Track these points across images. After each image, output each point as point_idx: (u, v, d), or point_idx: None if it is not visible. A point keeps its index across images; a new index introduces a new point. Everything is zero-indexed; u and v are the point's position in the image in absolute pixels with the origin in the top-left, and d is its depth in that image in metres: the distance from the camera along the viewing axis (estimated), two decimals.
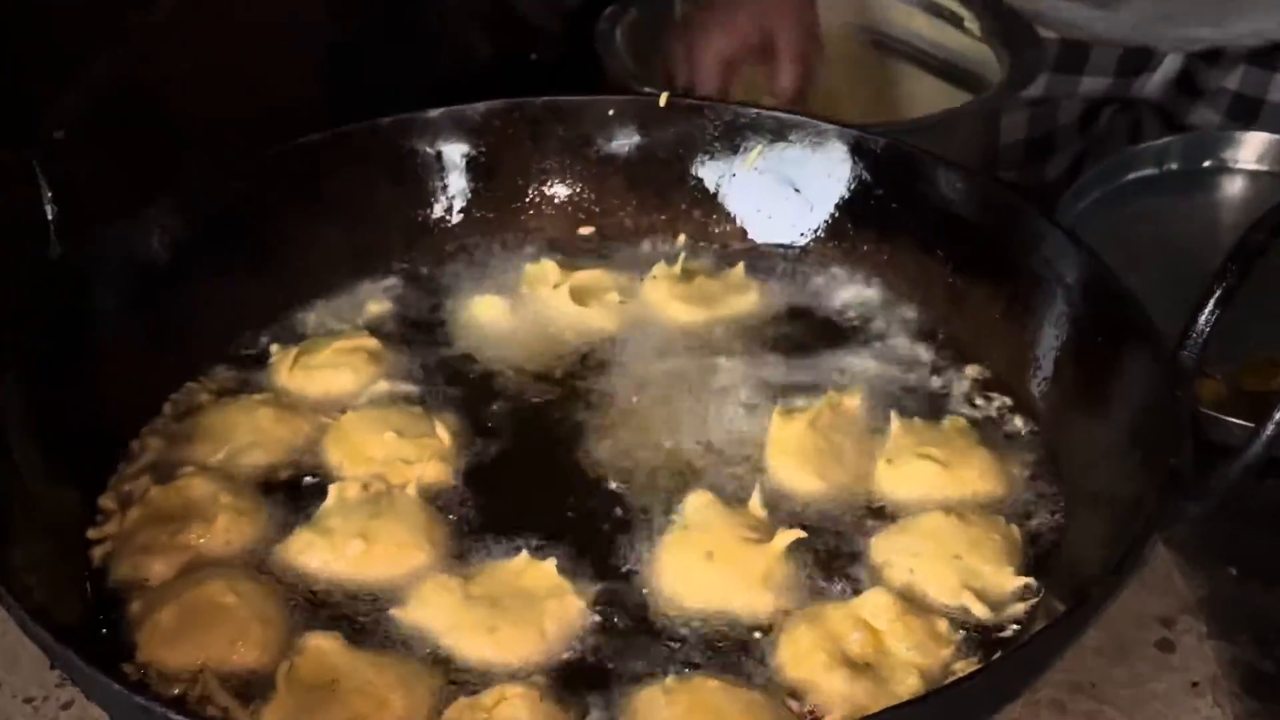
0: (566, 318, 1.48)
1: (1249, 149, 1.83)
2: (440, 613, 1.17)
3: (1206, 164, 1.84)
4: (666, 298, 1.49)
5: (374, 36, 1.73)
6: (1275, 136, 1.83)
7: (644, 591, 1.19)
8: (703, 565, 1.20)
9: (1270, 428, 1.07)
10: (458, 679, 1.13)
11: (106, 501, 1.28)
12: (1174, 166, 1.83)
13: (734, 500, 1.26)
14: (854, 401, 1.35)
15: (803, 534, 1.21)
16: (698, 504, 1.25)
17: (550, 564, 1.19)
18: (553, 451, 1.35)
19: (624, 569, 1.22)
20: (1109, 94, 2.07)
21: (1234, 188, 1.81)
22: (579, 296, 1.48)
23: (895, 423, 1.33)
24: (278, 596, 1.19)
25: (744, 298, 1.51)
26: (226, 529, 1.24)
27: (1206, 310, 1.17)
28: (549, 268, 1.51)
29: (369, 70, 1.73)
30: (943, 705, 1.00)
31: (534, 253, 1.57)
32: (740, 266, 1.53)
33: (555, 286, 1.49)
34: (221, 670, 1.14)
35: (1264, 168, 1.82)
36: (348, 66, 2.17)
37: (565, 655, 1.15)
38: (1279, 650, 1.41)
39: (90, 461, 1.31)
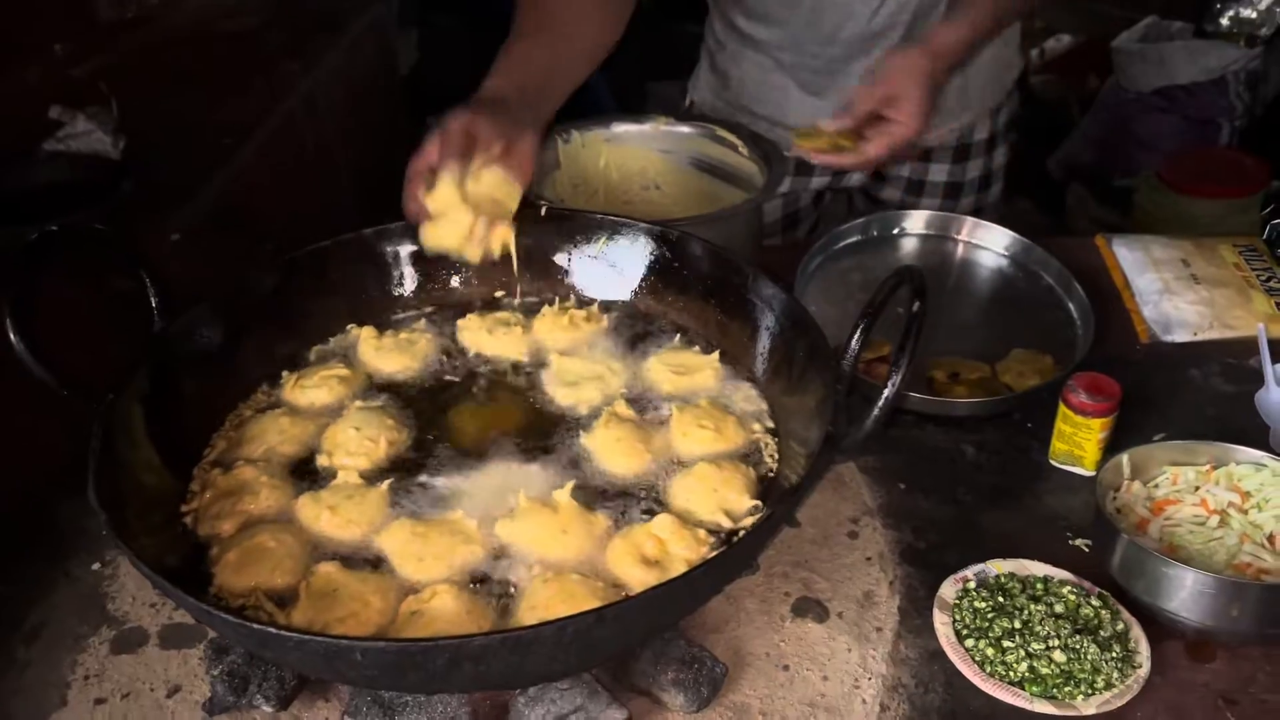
0: (482, 346, 1.86)
1: (917, 220, 2.33)
2: (395, 545, 1.49)
3: (894, 231, 2.34)
4: (551, 327, 1.88)
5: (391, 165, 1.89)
6: (934, 212, 2.32)
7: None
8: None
9: (888, 390, 1.42)
10: (409, 586, 1.45)
11: (194, 485, 1.58)
12: (873, 233, 2.33)
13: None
14: (625, 410, 1.67)
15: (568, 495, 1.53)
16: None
17: (472, 522, 1.50)
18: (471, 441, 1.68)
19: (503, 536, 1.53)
20: (829, 185, 2.60)
21: (910, 246, 2.33)
22: (492, 330, 1.86)
23: (674, 412, 1.69)
24: (300, 541, 1.49)
25: (597, 325, 1.90)
26: (266, 499, 1.55)
27: (855, 338, 1.53)
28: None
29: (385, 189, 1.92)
30: (690, 582, 1.35)
31: (466, 311, 1.92)
32: (596, 306, 1.91)
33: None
34: (266, 588, 1.44)
35: (930, 232, 2.33)
36: (368, 182, 2.49)
37: (475, 571, 1.47)
38: (927, 535, 1.74)
39: (180, 460, 1.61)
